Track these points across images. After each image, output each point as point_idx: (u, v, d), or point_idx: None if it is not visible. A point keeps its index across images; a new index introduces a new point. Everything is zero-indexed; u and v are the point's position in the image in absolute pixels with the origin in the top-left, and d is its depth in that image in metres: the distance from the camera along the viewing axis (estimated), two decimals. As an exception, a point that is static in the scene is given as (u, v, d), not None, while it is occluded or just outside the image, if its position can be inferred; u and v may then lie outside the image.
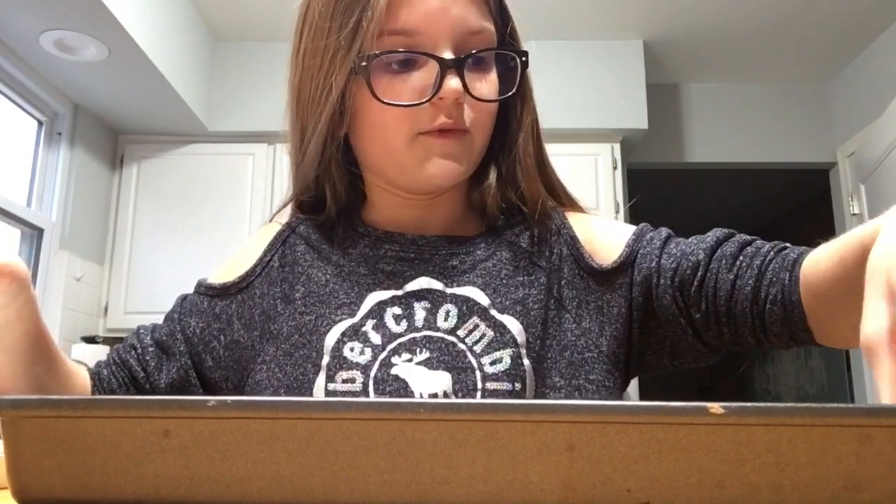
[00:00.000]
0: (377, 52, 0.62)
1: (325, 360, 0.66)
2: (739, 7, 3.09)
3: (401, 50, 0.63)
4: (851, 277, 0.51)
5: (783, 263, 0.60)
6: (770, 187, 4.91)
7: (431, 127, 0.64)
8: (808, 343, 0.60)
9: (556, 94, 3.22)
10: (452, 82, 0.62)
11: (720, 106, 3.71)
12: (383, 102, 0.63)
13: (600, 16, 3.17)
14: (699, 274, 0.63)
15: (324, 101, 0.66)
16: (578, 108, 3.26)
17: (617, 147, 3.28)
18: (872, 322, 0.36)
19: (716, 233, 0.66)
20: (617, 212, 3.19)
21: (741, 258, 0.62)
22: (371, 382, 0.65)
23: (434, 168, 0.65)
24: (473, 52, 0.64)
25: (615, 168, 3.24)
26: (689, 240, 0.67)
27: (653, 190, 4.46)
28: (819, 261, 0.56)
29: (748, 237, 0.65)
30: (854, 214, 3.39)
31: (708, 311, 0.63)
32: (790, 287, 0.58)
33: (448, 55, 0.63)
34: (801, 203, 5.21)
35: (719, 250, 0.64)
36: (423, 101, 0.63)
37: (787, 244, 0.62)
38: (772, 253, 0.62)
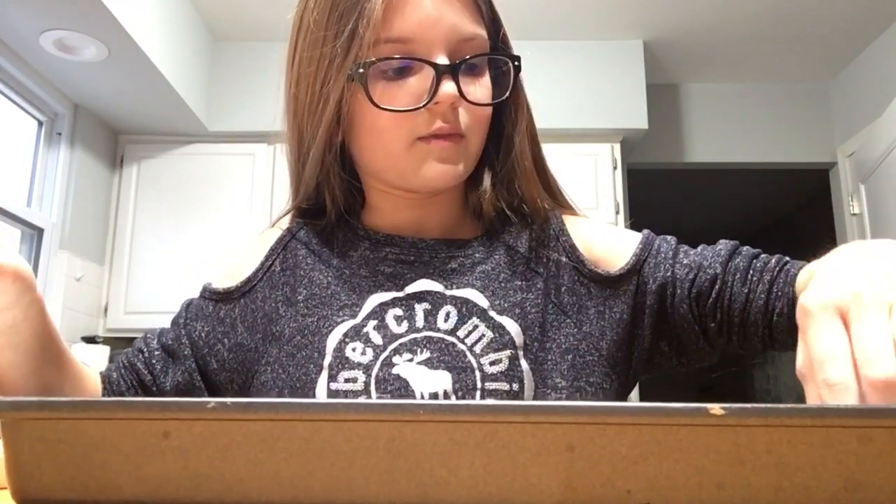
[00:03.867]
0: (374, 59, 0.63)
1: (328, 360, 0.67)
2: (740, 7, 3.09)
3: (396, 56, 0.64)
4: None
5: (787, 279, 0.65)
6: (770, 187, 4.91)
7: (428, 132, 0.65)
8: None
9: (556, 94, 3.22)
10: (447, 87, 0.64)
11: (720, 106, 3.71)
12: (380, 108, 0.64)
13: (600, 16, 3.17)
14: (716, 287, 0.67)
15: (321, 108, 0.67)
16: (578, 108, 3.25)
17: (617, 147, 3.28)
18: (802, 358, 0.42)
19: (726, 245, 0.70)
20: (617, 212, 3.19)
21: (751, 272, 0.67)
22: (373, 382, 0.65)
23: (432, 171, 0.67)
24: (467, 57, 0.66)
25: (615, 168, 3.24)
26: (699, 250, 0.71)
27: (653, 190, 4.46)
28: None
29: (753, 250, 0.69)
30: (854, 214, 3.39)
31: (722, 321, 0.67)
32: (793, 301, 0.63)
33: (443, 61, 0.64)
34: (801, 203, 5.21)
35: (731, 263, 0.68)
36: (420, 105, 0.64)
37: (788, 258, 0.67)
38: (777, 268, 0.66)
